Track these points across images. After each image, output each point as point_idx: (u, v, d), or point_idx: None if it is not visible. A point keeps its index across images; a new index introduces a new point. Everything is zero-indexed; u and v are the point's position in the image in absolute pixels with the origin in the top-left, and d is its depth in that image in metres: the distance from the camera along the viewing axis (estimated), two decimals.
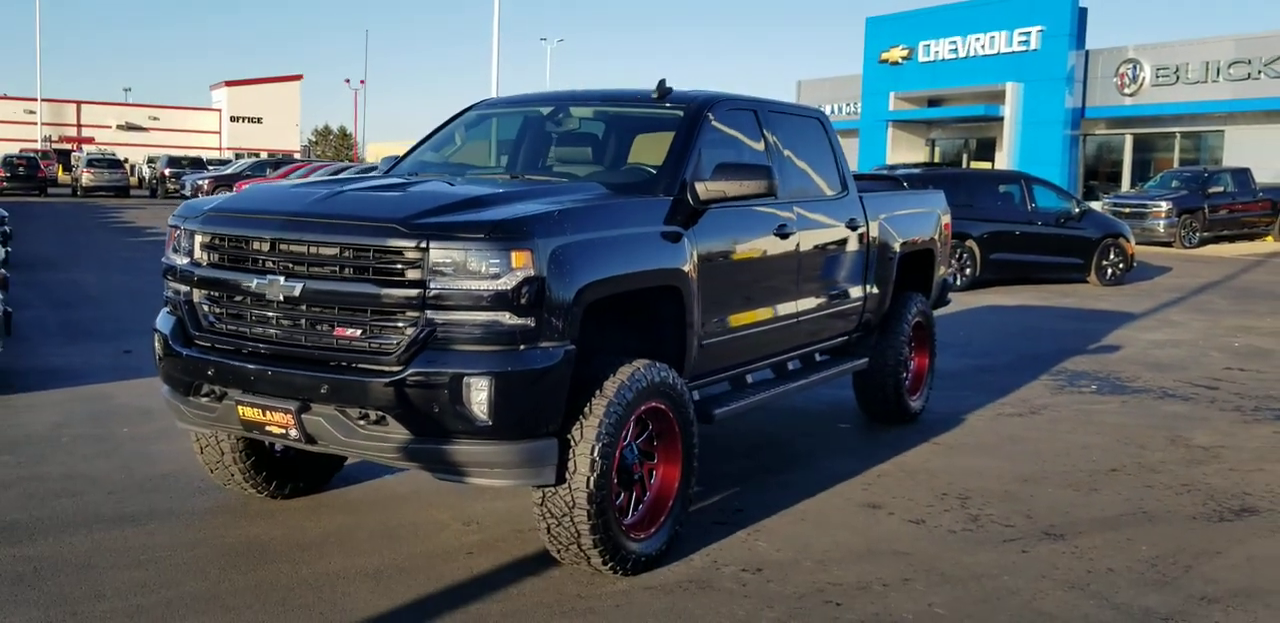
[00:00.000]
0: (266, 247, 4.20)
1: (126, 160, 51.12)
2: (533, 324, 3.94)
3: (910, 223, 7.17)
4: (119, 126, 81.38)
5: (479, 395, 3.88)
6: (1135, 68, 31.74)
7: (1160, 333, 11.88)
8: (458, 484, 5.36)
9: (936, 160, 38.20)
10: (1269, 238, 26.55)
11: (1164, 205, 24.34)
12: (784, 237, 5.55)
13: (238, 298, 4.29)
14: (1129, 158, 33.25)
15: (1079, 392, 8.52)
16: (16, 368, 8.13)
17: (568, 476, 4.11)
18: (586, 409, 4.14)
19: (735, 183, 4.87)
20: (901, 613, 4.10)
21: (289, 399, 4.11)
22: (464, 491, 5.39)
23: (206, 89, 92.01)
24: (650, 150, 5.47)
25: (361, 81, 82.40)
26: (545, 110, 5.74)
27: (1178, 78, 30.84)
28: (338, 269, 4.06)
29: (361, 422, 4.03)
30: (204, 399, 4.39)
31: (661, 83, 5.48)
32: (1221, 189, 25.19)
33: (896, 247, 6.89)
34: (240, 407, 4.22)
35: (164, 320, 4.62)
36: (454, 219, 4.02)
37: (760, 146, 5.63)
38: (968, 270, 15.46)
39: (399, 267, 3.95)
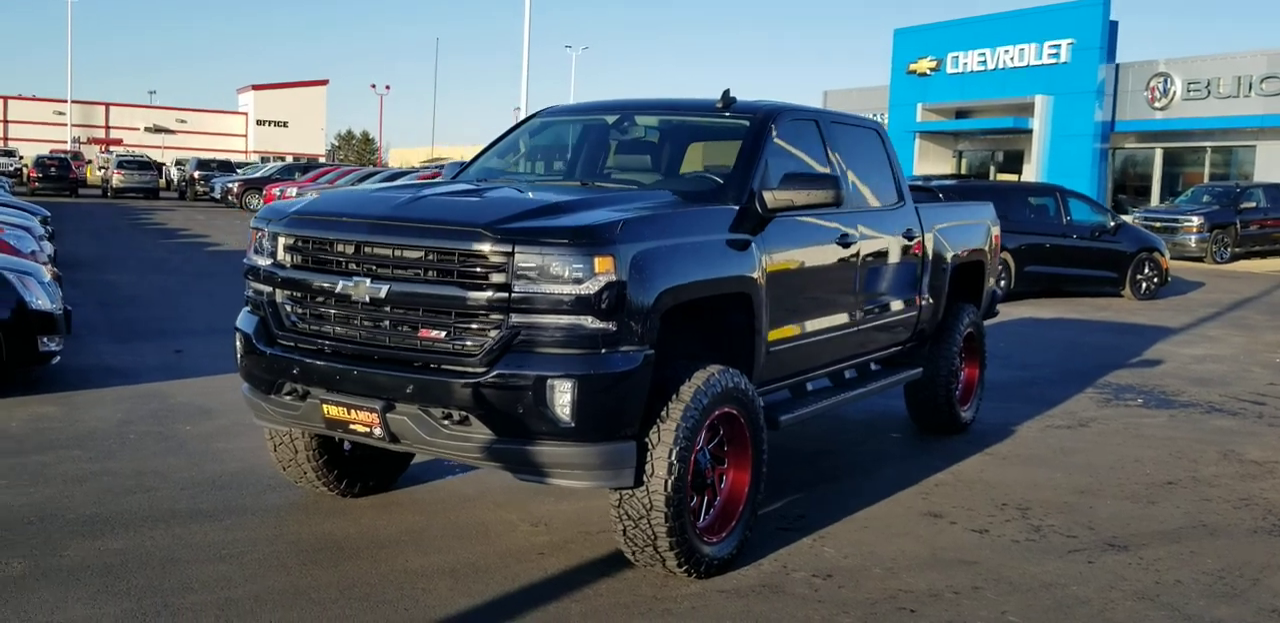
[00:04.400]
0: (351, 249, 4.29)
1: (161, 164, 51.58)
2: (614, 328, 4.01)
3: (962, 234, 7.21)
4: (147, 129, 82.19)
5: (562, 398, 3.95)
6: (1166, 81, 31.67)
7: (1200, 348, 11.86)
8: (524, 486, 5.47)
9: (964, 172, 38.16)
10: None
11: (1195, 220, 24.25)
12: (845, 246, 5.61)
13: (322, 299, 4.37)
14: (1159, 172, 33.16)
15: (1125, 405, 8.53)
16: (75, 366, 8.24)
17: (645, 478, 4.17)
18: (664, 413, 4.21)
19: (804, 192, 4.93)
20: (975, 621, 4.14)
21: (374, 399, 4.18)
22: (530, 492, 5.46)
23: (232, 92, 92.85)
24: (714, 159, 5.55)
25: (388, 87, 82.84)
26: (610, 118, 5.82)
27: (1209, 92, 30.76)
28: (422, 272, 4.14)
29: (445, 422, 4.10)
30: (287, 398, 4.48)
31: (726, 93, 5.55)
32: (1254, 204, 25.07)
33: (949, 258, 6.93)
34: (325, 405, 4.30)
35: (246, 320, 4.71)
36: (539, 224, 4.09)
37: (822, 157, 5.69)
38: (1002, 283, 15.46)
39: (483, 270, 4.03)
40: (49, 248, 10.93)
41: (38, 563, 4.34)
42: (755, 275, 4.75)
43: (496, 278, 4.01)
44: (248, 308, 4.77)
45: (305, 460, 5.10)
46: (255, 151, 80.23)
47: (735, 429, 4.61)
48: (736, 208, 4.84)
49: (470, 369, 4.04)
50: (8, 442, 6.17)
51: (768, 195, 4.94)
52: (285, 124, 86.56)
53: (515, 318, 3.98)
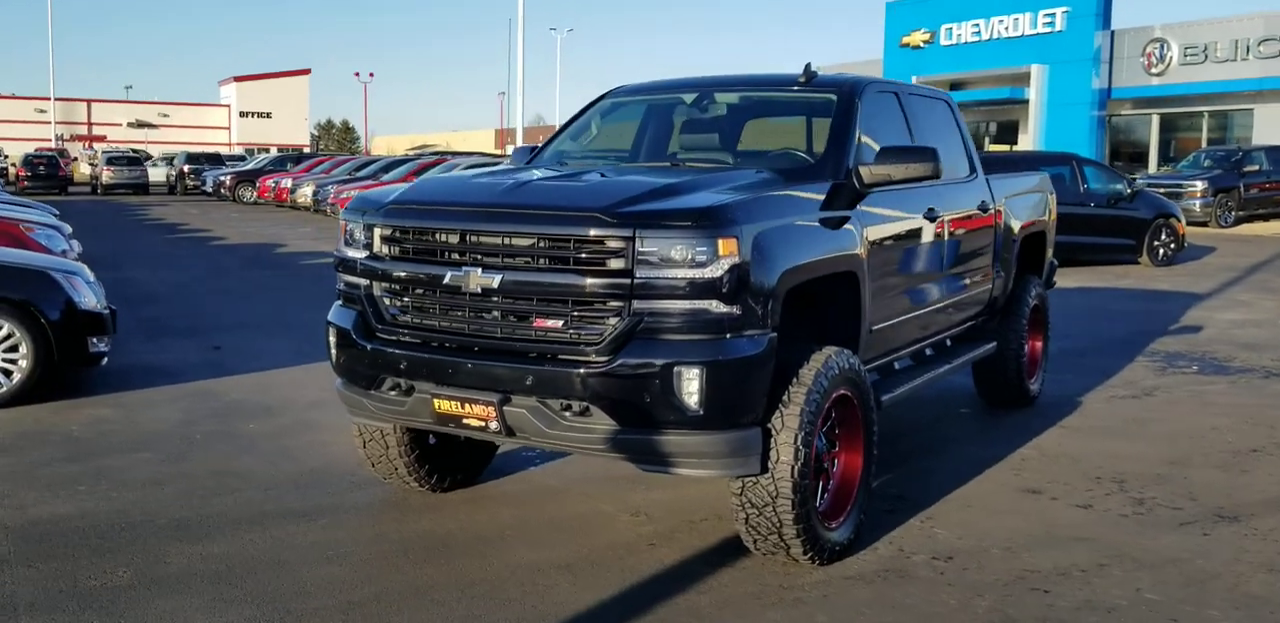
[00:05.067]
0: (458, 238, 4.14)
1: (149, 158, 51.10)
2: (739, 312, 3.89)
3: (1027, 204, 7.10)
4: (129, 124, 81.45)
5: (690, 385, 3.83)
6: (1163, 47, 31.56)
7: (1234, 313, 11.80)
8: (608, 475, 5.39)
9: None
10: None
11: (1199, 185, 24.20)
12: (932, 220, 5.49)
13: (426, 290, 4.23)
14: (1155, 138, 33.09)
15: (1182, 373, 8.46)
16: (116, 366, 8.08)
17: (770, 465, 4.05)
18: (785, 397, 4.09)
19: (902, 166, 4.81)
20: (1114, 599, 4.05)
21: (490, 392, 4.05)
22: (617, 482, 5.35)
23: (214, 85, 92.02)
24: (798, 135, 5.41)
25: (371, 74, 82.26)
26: (686, 97, 5.66)
27: (1206, 57, 30.66)
28: (536, 260, 4.00)
29: (565, 413, 3.97)
30: (391, 393, 4.34)
31: (808, 67, 5.42)
32: (1256, 168, 25.04)
33: (1018, 228, 6.82)
34: (436, 400, 4.16)
35: (340, 314, 4.56)
36: (659, 207, 3.96)
37: (904, 129, 5.56)
38: None
39: (602, 256, 3.89)
40: (78, 247, 10.73)
41: (143, 571, 4.21)
42: (860, 252, 4.63)
43: (615, 264, 3.88)
44: (340, 302, 4.63)
45: (397, 456, 4.97)
46: (239, 144, 79.61)
47: (849, 411, 4.50)
48: (836, 184, 4.71)
49: (591, 359, 3.91)
50: (74, 446, 6.02)
51: (864, 170, 4.81)
52: (269, 115, 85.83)
53: (637, 304, 3.85)
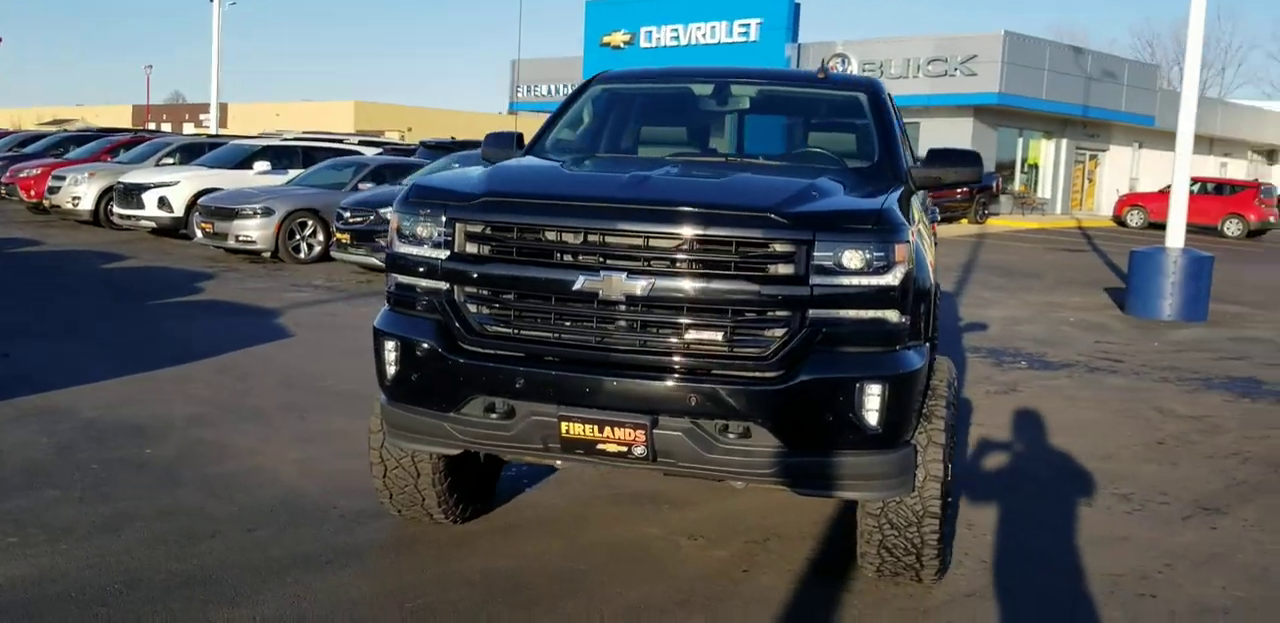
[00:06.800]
0: (586, 238, 3.59)
1: None
2: (909, 322, 3.65)
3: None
4: None
5: (872, 401, 3.54)
6: (844, 62, 33.90)
7: (997, 310, 12.79)
8: (612, 492, 5.02)
9: None
10: (964, 221, 29.37)
11: None
12: (934, 222, 5.48)
13: (542, 297, 3.65)
14: None
15: (1018, 368, 9.03)
16: None
17: (917, 484, 3.84)
18: (925, 411, 3.89)
19: (951, 169, 4.71)
20: (1213, 599, 4.17)
21: (638, 413, 3.55)
22: (628, 499, 4.96)
23: None
24: (823, 134, 5.22)
25: None
26: (699, 88, 5.27)
27: (882, 72, 33.29)
28: (689, 264, 3.54)
29: (728, 435, 3.56)
30: (491, 416, 3.70)
31: (824, 63, 5.23)
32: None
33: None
34: (565, 423, 3.59)
35: (400, 323, 3.84)
36: (834, 208, 3.64)
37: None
38: None
39: (769, 260, 3.52)
40: None
41: None
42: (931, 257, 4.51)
43: (784, 269, 3.51)
44: (393, 308, 3.91)
45: (429, 485, 4.30)
46: None
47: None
48: (903, 187, 4.56)
49: (761, 374, 3.52)
50: None
51: (916, 173, 4.70)
52: None
53: (814, 314, 3.51)
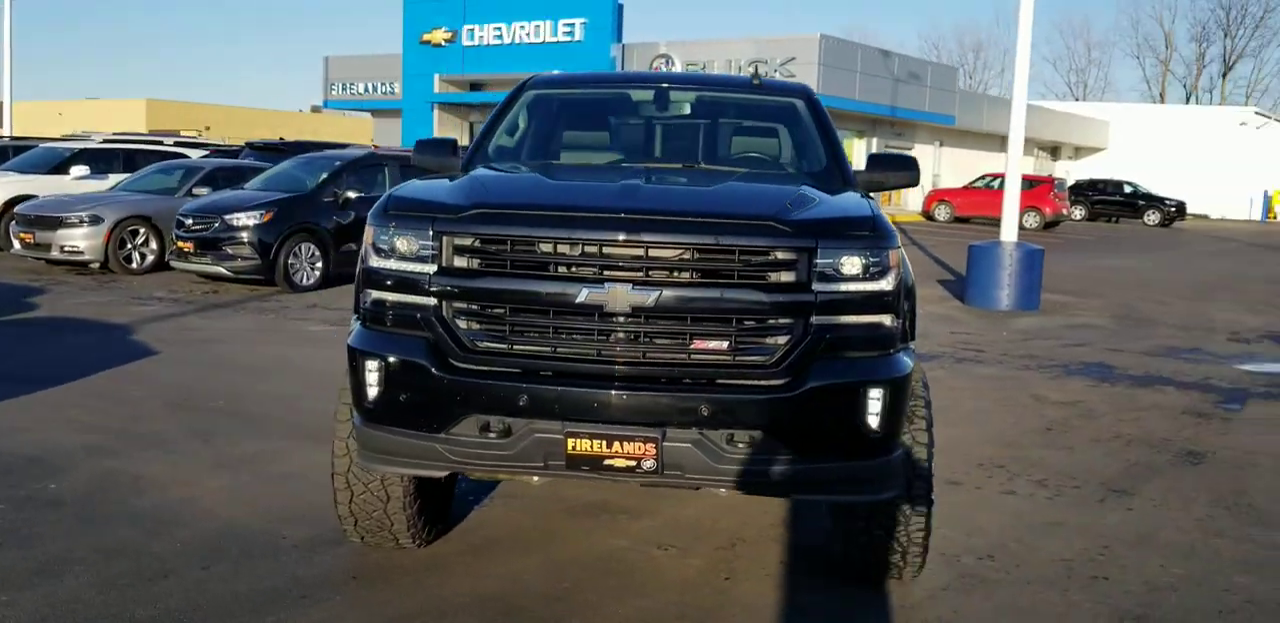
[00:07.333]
0: (585, 250, 3.51)
1: None
2: (900, 326, 3.74)
3: None
4: None
5: (874, 406, 3.60)
6: (667, 62, 34.37)
7: None
8: (561, 504, 5.00)
9: None
10: None
11: None
12: None
13: (539, 311, 3.54)
14: None
15: None
16: None
17: (907, 484, 3.93)
18: (908, 413, 3.99)
19: (892, 173, 4.85)
20: (1161, 579, 4.44)
21: (647, 427, 3.50)
22: (577, 509, 4.91)
23: None
24: (755, 139, 5.27)
25: None
26: (638, 94, 5.22)
27: (705, 72, 34.01)
28: (691, 274, 3.52)
29: (738, 445, 3.55)
30: (490, 435, 3.58)
31: (756, 69, 5.29)
32: None
33: None
34: (573, 439, 3.50)
35: (379, 341, 3.66)
36: (833, 215, 3.69)
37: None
38: None
39: (770, 268, 3.54)
40: None
41: None
42: None
43: (787, 277, 3.54)
44: (375, 326, 3.72)
45: (400, 509, 4.12)
46: None
47: None
48: (861, 193, 4.66)
49: (768, 383, 3.53)
50: None
51: (860, 178, 4.81)
52: None
53: (817, 320, 3.54)
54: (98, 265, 13.57)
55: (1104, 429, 7.07)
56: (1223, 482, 5.90)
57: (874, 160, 4.89)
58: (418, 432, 3.65)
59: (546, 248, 3.55)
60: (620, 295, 3.47)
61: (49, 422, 6.17)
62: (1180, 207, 42.42)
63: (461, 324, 3.60)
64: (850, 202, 3.98)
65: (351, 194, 13.06)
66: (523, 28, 35.22)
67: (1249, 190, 53.62)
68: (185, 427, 6.20)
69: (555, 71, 5.67)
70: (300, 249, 12.64)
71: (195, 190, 14.38)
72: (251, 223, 12.32)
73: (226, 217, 12.36)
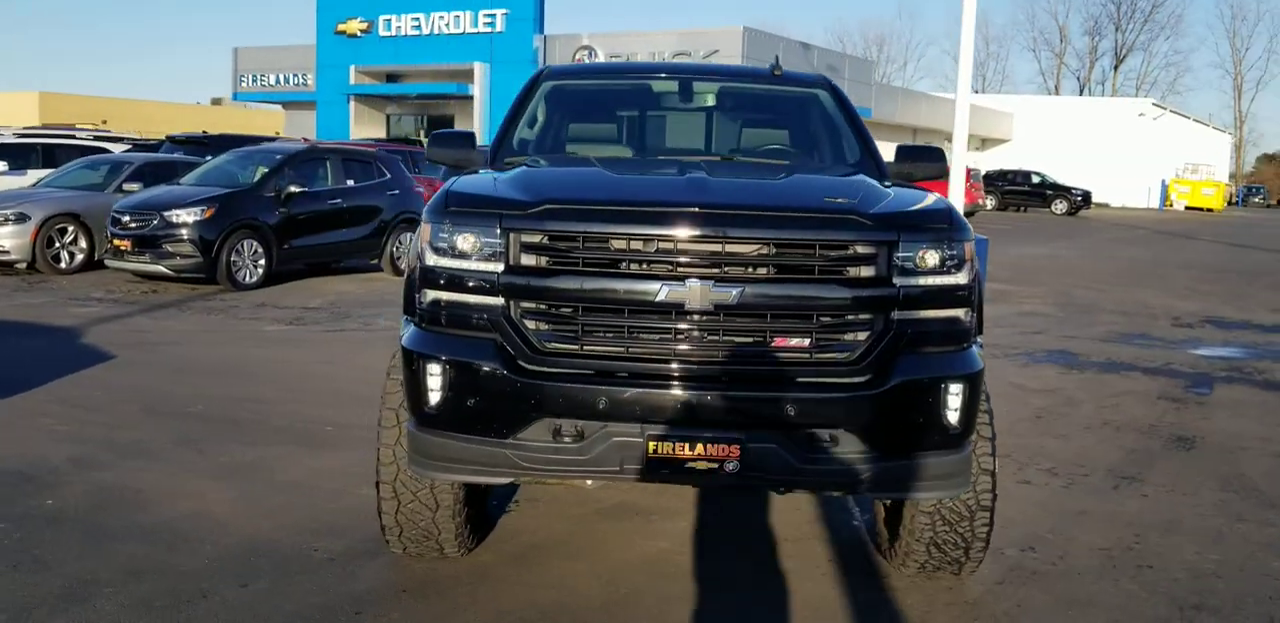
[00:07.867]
0: (661, 246, 3.38)
1: None
2: (974, 321, 3.69)
3: None
4: None
5: (954, 401, 3.54)
6: (590, 53, 34.19)
7: None
8: (578, 507, 4.84)
9: (393, 136, 38.06)
10: None
11: None
12: None
13: (615, 310, 3.40)
14: None
15: None
16: None
17: (973, 479, 3.88)
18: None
19: (921, 165, 4.81)
20: (1201, 565, 4.48)
21: (731, 428, 3.39)
22: (592, 511, 4.78)
23: None
24: (797, 132, 5.19)
25: None
26: (660, 86, 5.07)
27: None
28: (771, 269, 3.42)
29: (824, 445, 3.45)
30: (565, 440, 3.43)
31: (776, 60, 5.21)
32: None
33: None
34: (654, 442, 3.37)
35: (451, 344, 3.48)
36: (912, 209, 3.62)
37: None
38: None
39: (851, 263, 3.45)
40: None
41: None
42: None
43: (867, 271, 3.46)
44: (434, 327, 3.53)
45: (449, 517, 3.95)
46: None
47: None
48: (895, 185, 4.61)
49: (851, 380, 3.44)
50: None
51: (891, 169, 4.76)
52: None
53: (899, 315, 3.47)
54: (24, 265, 12.95)
55: (1090, 416, 7.16)
56: (1221, 466, 6.01)
57: (903, 152, 4.83)
58: (484, 437, 3.49)
59: (620, 245, 3.41)
60: (702, 292, 3.35)
61: (24, 431, 5.82)
62: (1086, 196, 43.70)
63: (530, 325, 3.45)
64: (920, 194, 3.91)
65: (294, 189, 12.66)
66: (442, 18, 34.72)
67: (1147, 180, 55.48)
68: (169, 434, 5.89)
69: (569, 61, 5.50)
70: (243, 246, 12.19)
71: (126, 186, 13.79)
72: (192, 219, 11.85)
73: (165, 213, 11.88)
